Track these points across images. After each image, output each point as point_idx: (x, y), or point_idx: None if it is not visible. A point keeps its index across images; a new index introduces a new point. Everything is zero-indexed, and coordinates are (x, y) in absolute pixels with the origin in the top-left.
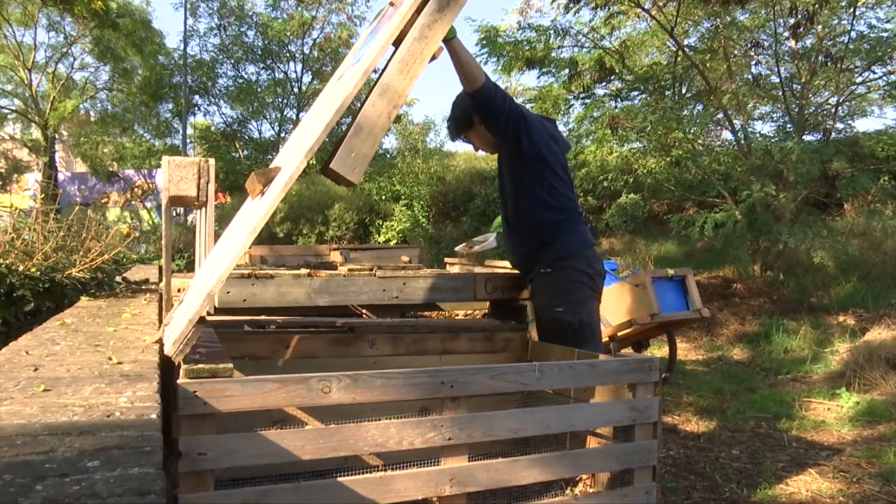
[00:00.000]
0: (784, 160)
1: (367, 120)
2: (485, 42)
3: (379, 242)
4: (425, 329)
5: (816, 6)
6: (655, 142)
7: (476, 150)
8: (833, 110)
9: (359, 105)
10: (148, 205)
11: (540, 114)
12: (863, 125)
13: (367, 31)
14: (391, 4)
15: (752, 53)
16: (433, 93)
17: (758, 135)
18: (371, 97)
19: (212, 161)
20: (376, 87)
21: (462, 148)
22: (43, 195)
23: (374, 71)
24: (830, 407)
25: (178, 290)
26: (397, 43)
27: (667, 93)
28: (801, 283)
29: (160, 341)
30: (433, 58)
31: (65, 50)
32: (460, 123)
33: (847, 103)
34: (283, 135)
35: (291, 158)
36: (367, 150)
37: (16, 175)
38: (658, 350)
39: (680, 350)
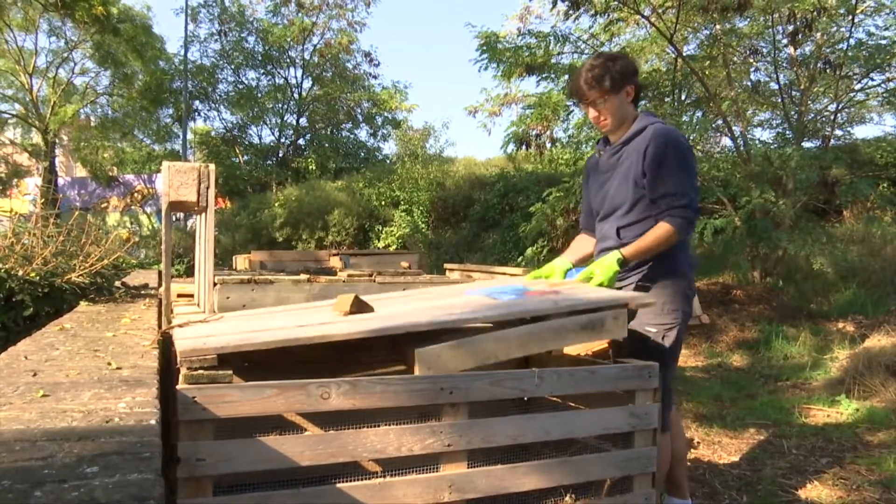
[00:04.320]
0: (783, 167)
1: (473, 346)
2: (484, 48)
3: (378, 248)
4: None
5: (815, 13)
6: None
7: (596, 121)
8: (832, 117)
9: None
10: (148, 210)
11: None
12: (862, 132)
13: (506, 281)
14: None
15: (751, 60)
16: (432, 100)
17: (757, 141)
18: (490, 336)
19: (212, 166)
20: (500, 332)
21: (461, 153)
22: (43, 200)
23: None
24: (830, 414)
25: (178, 296)
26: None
27: (666, 99)
28: (801, 289)
29: (168, 332)
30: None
31: (65, 55)
32: (616, 80)
33: (846, 110)
34: (282, 140)
35: (394, 316)
36: (450, 365)
37: (16, 179)
38: None
39: (679, 356)
